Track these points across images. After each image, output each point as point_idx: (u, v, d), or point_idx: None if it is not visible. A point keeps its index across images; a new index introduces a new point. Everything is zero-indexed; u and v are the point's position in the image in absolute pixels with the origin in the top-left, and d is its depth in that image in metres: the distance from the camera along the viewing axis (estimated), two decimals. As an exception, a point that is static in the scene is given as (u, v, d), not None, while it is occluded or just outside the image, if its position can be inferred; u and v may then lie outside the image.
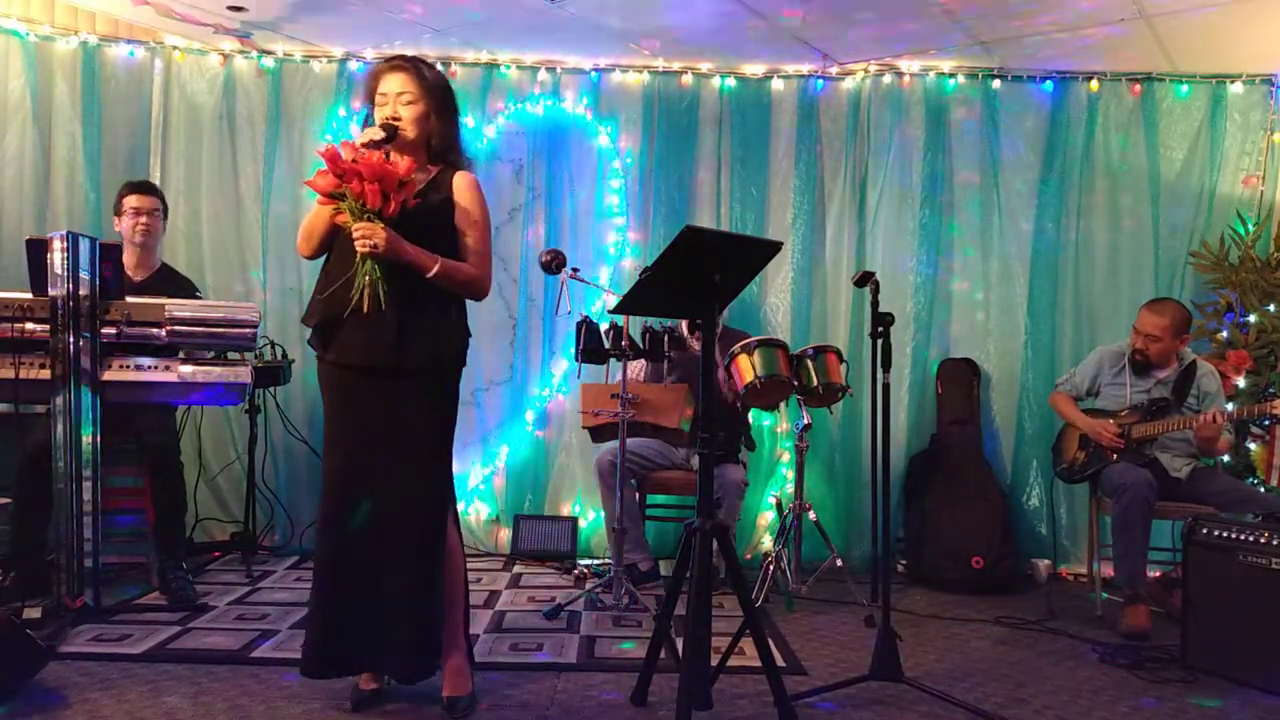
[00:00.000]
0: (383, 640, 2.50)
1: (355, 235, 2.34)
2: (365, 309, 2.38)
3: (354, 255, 2.39)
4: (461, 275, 2.54)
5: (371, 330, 2.43)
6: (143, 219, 3.78)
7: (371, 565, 2.49)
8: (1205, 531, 3.12)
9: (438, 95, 2.56)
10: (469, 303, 2.64)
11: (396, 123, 2.49)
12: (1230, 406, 3.74)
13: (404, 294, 2.43)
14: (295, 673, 2.80)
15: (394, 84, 2.51)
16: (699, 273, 2.41)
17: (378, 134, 2.44)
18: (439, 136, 2.57)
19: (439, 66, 2.75)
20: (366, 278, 2.37)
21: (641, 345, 3.60)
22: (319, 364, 2.58)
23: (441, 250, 2.50)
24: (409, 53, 4.51)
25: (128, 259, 3.78)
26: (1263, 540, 2.96)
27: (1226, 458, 4.05)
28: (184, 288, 3.87)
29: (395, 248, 2.38)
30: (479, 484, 4.67)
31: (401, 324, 2.44)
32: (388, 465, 2.49)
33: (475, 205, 2.57)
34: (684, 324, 3.93)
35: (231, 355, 3.42)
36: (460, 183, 2.57)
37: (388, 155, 2.45)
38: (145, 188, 3.88)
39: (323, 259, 2.57)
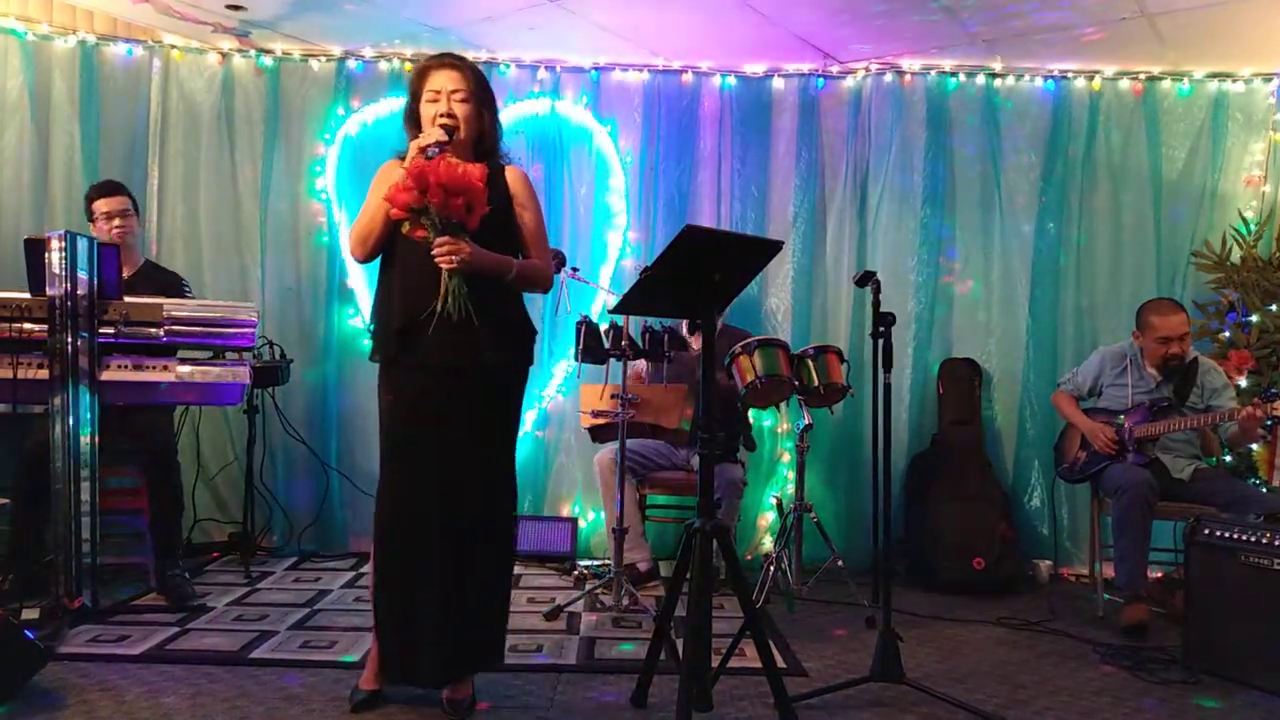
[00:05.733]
0: (462, 638, 2.50)
1: (438, 251, 2.32)
2: (455, 318, 2.36)
3: (430, 261, 2.37)
4: (534, 272, 2.59)
5: (456, 333, 2.40)
6: (116, 221, 3.73)
7: (450, 567, 2.46)
8: (1207, 532, 3.10)
9: (486, 93, 2.58)
10: None
11: (451, 121, 2.47)
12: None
13: (479, 295, 2.42)
14: (294, 674, 2.82)
15: (447, 81, 2.50)
16: (699, 272, 2.40)
17: (440, 135, 2.40)
18: (489, 135, 2.60)
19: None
20: (455, 290, 2.36)
21: (641, 345, 3.59)
22: (390, 370, 2.53)
23: (507, 248, 2.53)
24: (408, 51, 4.60)
25: None
26: (1264, 541, 2.95)
27: (1229, 457, 4.04)
28: (170, 283, 3.83)
29: (478, 260, 2.38)
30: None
31: (481, 325, 2.41)
32: (467, 465, 2.49)
33: (532, 200, 2.64)
34: (683, 324, 3.93)
35: (230, 355, 3.41)
36: (515, 177, 2.62)
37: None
38: (111, 189, 3.80)
39: (379, 260, 2.55)
